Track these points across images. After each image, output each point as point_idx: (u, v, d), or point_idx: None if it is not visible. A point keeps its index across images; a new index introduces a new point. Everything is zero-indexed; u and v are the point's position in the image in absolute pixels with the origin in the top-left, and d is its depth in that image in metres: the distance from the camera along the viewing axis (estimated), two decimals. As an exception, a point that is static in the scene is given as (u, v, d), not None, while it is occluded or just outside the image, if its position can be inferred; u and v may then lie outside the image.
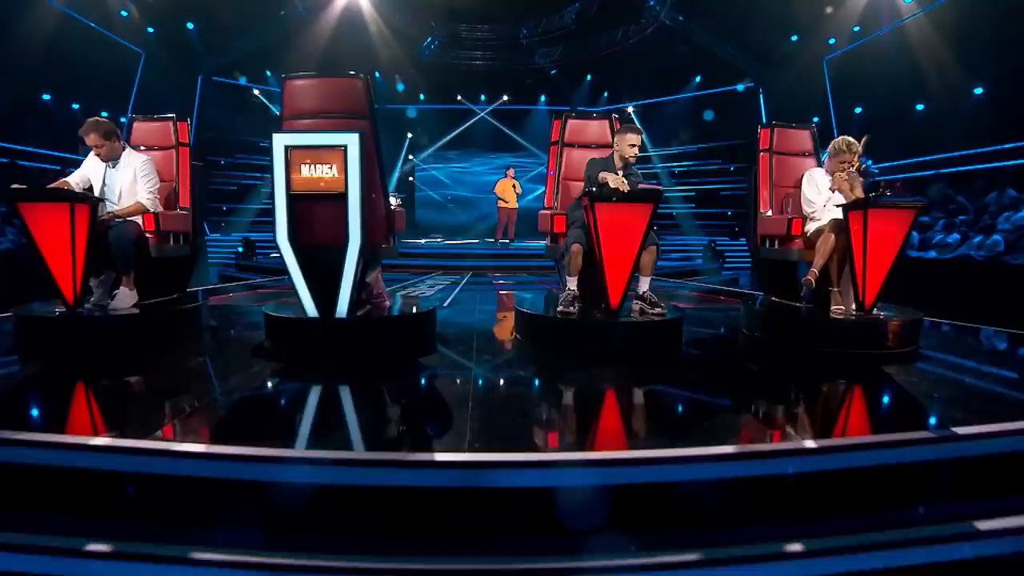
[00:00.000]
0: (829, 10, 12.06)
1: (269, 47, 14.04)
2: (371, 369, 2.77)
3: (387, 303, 3.66)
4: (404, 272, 8.29)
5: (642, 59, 15.11)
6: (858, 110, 13.35)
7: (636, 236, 3.03)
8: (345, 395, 2.50)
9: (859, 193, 3.65)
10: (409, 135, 17.88)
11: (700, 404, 2.42)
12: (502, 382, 2.73)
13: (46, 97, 12.10)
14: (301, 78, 3.04)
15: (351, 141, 2.76)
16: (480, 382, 2.68)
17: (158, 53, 13.23)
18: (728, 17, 13.52)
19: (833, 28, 12.64)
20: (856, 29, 12.33)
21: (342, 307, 2.97)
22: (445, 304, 5.15)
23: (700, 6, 14.00)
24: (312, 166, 2.81)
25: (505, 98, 17.42)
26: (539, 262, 8.74)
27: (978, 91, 10.59)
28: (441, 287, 6.58)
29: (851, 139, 3.62)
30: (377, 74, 16.37)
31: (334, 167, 2.79)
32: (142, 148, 3.84)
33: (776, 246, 3.83)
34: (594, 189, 3.06)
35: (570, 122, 4.02)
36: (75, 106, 11.97)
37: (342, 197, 2.80)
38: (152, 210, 3.51)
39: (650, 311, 3.27)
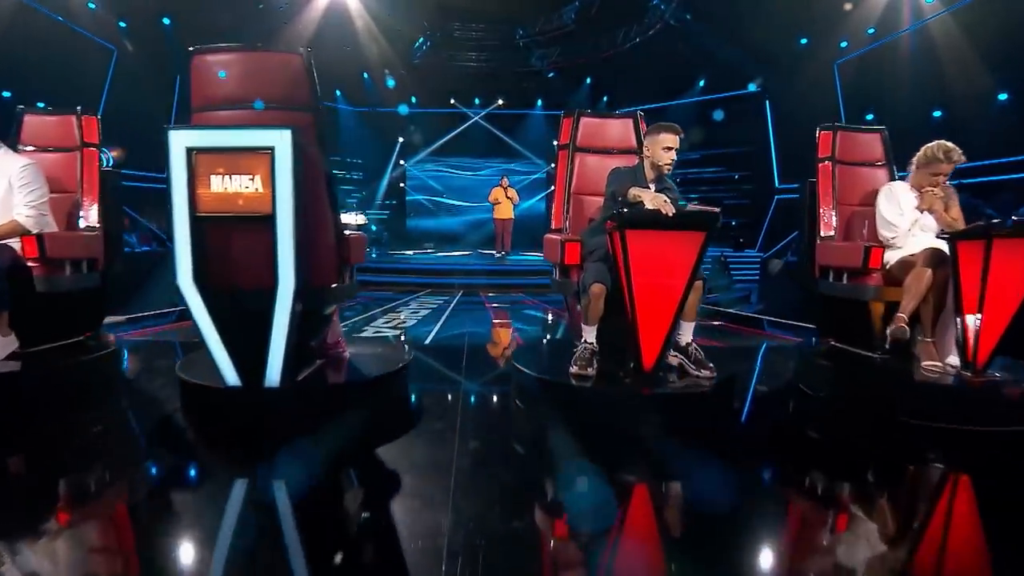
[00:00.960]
0: (848, 7, 11.36)
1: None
2: (309, 466, 1.92)
3: (345, 355, 2.79)
4: (390, 290, 7.48)
5: (644, 61, 14.37)
6: (869, 116, 12.64)
7: (682, 273, 2.20)
8: (259, 517, 1.64)
9: (957, 215, 2.85)
10: (400, 139, 17.06)
11: (794, 535, 1.58)
12: (496, 493, 1.87)
13: (7, 95, 11.20)
14: (215, 52, 2.19)
15: (281, 141, 1.92)
16: (462, 495, 1.81)
17: (132, 50, 12.35)
18: (734, 18, 12.84)
19: (846, 30, 11.97)
20: (871, 31, 11.66)
21: (272, 373, 2.11)
22: (428, 341, 4.30)
23: (706, 6, 13.30)
24: (227, 177, 1.96)
25: (500, 102, 16.64)
26: (536, 279, 7.93)
27: (1003, 96, 9.92)
28: (428, 310, 5.79)
29: (950, 145, 2.82)
30: (365, 75, 15.56)
31: (257, 178, 1.95)
32: (31, 148, 2.97)
33: (845, 280, 3.01)
34: (624, 210, 2.23)
35: (584, 121, 3.17)
36: (40, 105, 11.07)
37: (269, 220, 1.96)
38: (32, 230, 2.65)
39: (695, 372, 2.43)
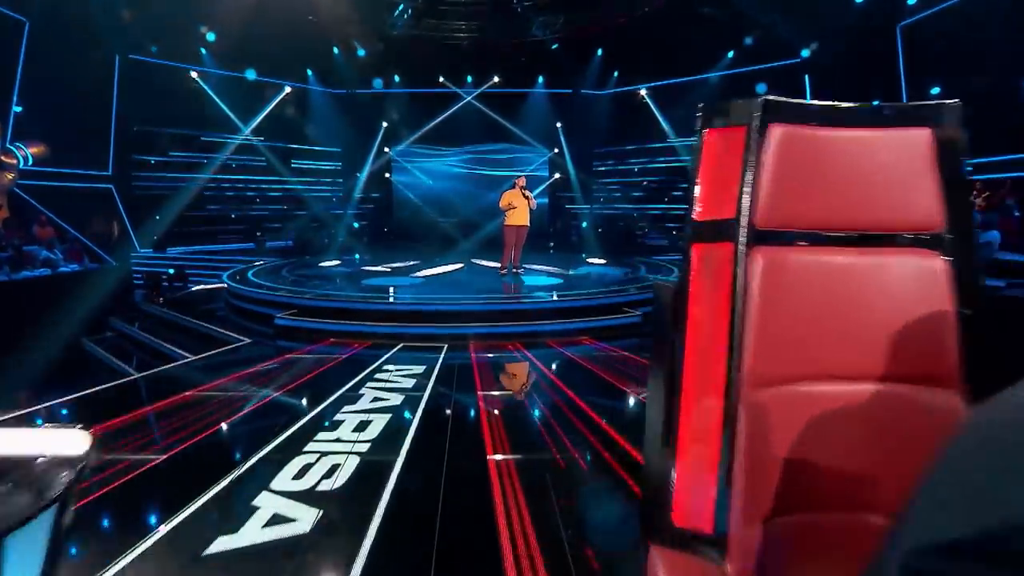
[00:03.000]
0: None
1: (196, 16, 11.11)
2: None
3: None
4: (348, 345, 5.57)
5: (665, 30, 12.28)
6: (935, 90, 10.63)
7: None
8: None
9: None
10: (384, 123, 15.00)
11: None
12: None
13: None
14: None
15: None
16: None
17: (50, 23, 10.26)
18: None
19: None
20: (946, -14, 9.60)
21: None
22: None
23: (740, -40, 11.17)
24: None
25: (496, 80, 14.54)
26: (564, 324, 6.04)
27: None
28: (382, 418, 3.44)
29: None
30: (336, 49, 13.44)
31: None
32: None
33: None
34: None
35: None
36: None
37: None
38: None
39: None
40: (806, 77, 12.38)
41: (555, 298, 6.56)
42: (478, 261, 10.40)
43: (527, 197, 8.07)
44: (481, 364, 4.92)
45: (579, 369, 4.80)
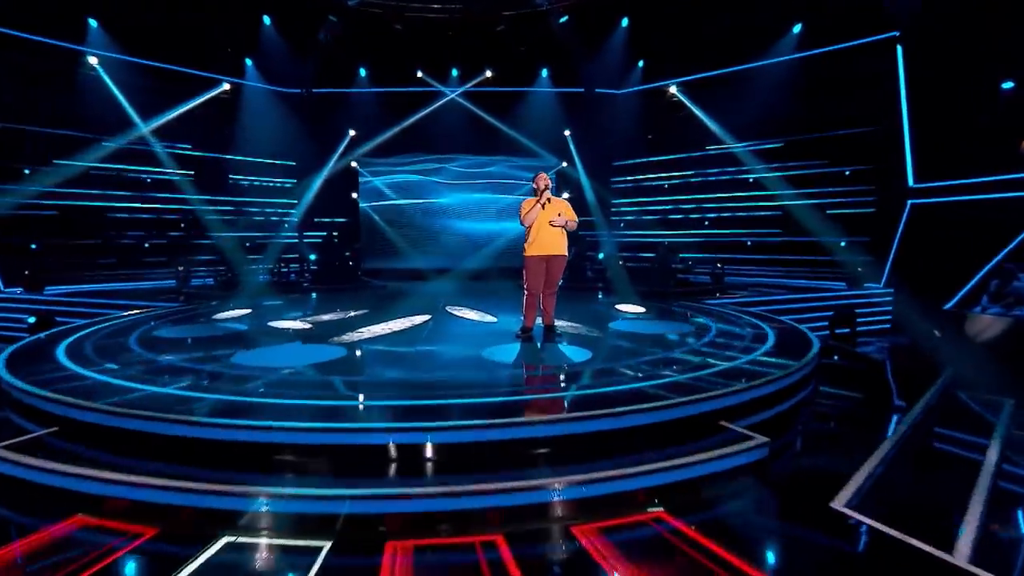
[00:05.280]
0: None
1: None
2: None
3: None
4: (102, 536, 2.17)
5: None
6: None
7: None
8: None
9: None
10: (352, 132, 11.89)
11: None
12: None
13: None
14: None
15: None
16: None
17: None
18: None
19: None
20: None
21: None
22: None
23: None
24: None
25: (489, 74, 11.48)
26: (601, 473, 2.65)
27: None
28: None
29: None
30: (267, 19, 10.40)
31: None
32: None
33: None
34: None
35: None
36: None
37: None
38: None
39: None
40: (899, 57, 9.20)
41: (578, 410, 3.16)
42: (456, 311, 7.03)
43: (544, 204, 4.83)
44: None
45: None
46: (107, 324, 6.26)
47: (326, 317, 6.66)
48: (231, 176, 11.53)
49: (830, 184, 10.10)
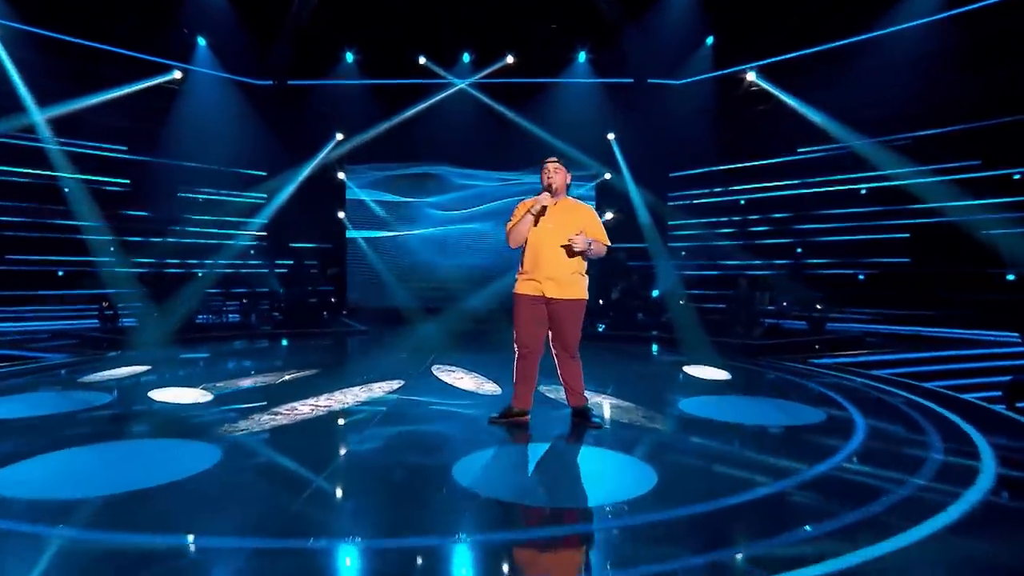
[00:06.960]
0: None
1: None
2: None
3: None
4: None
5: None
6: None
7: None
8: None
9: None
10: (339, 136, 9.38)
11: None
12: None
13: None
14: None
15: None
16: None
17: None
18: None
19: None
20: None
21: None
22: None
23: None
24: None
25: (510, 60, 8.97)
26: None
27: None
28: None
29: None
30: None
31: None
32: None
33: None
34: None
35: None
36: None
37: None
38: None
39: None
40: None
41: None
42: (443, 373, 4.22)
43: (542, 210, 2.93)
44: None
45: None
46: None
47: (246, 383, 4.00)
48: (180, 190, 9.08)
49: (987, 193, 7.15)
